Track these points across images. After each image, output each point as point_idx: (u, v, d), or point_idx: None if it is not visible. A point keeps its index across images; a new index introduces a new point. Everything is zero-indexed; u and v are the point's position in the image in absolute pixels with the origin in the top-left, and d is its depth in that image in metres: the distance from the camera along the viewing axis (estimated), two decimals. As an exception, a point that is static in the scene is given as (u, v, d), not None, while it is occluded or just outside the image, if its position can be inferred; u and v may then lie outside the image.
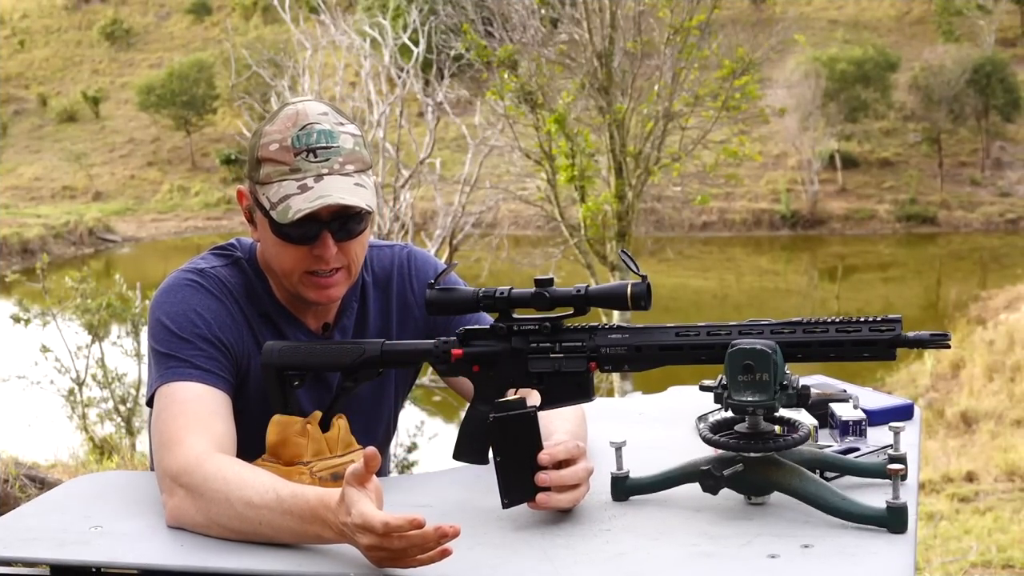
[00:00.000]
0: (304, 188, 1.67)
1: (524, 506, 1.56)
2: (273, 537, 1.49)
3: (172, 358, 1.69)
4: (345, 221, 1.71)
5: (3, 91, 48.16)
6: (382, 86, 11.86)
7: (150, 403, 1.71)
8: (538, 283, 1.58)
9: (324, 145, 1.69)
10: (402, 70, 12.04)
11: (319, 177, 1.68)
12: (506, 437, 1.55)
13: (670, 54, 12.05)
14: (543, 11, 12.70)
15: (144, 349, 10.69)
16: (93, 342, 11.12)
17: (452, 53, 13.01)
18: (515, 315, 1.63)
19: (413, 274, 1.94)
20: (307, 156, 1.68)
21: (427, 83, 12.73)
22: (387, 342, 1.71)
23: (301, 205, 1.66)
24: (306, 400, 1.78)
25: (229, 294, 1.78)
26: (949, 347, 1.44)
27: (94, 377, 11.12)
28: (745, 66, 12.02)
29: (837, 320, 1.48)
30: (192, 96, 41.12)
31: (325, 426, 1.73)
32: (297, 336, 1.84)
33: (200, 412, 1.64)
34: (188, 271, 1.79)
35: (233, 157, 37.88)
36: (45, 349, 10.76)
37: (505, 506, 1.55)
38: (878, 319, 1.45)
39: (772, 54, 14.74)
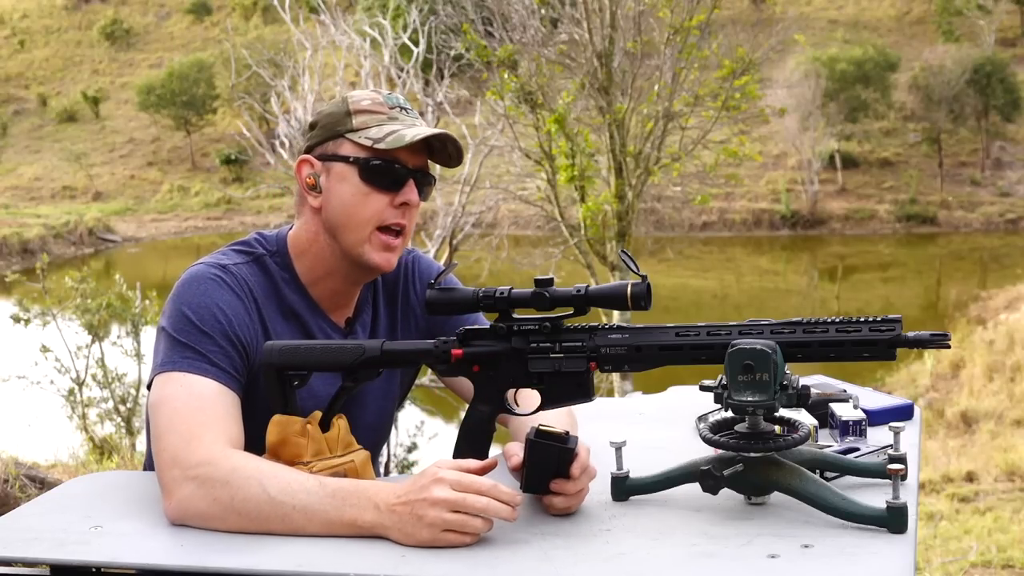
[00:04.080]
0: (409, 127, 1.80)
1: (523, 506, 1.57)
2: (302, 524, 1.51)
3: (189, 348, 1.69)
4: (424, 176, 1.83)
5: (3, 91, 48.18)
6: (382, 86, 11.86)
7: (150, 385, 1.71)
8: (538, 283, 1.58)
9: (409, 107, 1.86)
10: (402, 70, 12.05)
11: (414, 125, 1.82)
12: (538, 460, 1.55)
13: (670, 54, 12.04)
14: (543, 11, 12.68)
15: (144, 348, 10.71)
16: (93, 342, 11.12)
17: (452, 53, 13.01)
18: (515, 315, 1.63)
19: (416, 277, 1.98)
20: (399, 111, 1.83)
21: (427, 83, 12.73)
22: (387, 342, 1.71)
23: (416, 133, 1.77)
24: (326, 393, 1.79)
25: (249, 292, 1.79)
26: (949, 347, 1.44)
27: (94, 377, 11.13)
28: (745, 66, 12.01)
29: (837, 320, 1.48)
30: (192, 96, 41.12)
31: (325, 426, 1.73)
32: (322, 328, 1.86)
33: (218, 412, 1.64)
34: (212, 266, 1.79)
35: (233, 157, 37.93)
36: (45, 349, 10.76)
37: (523, 490, 1.57)
38: (878, 319, 1.45)
39: (772, 54, 14.72)
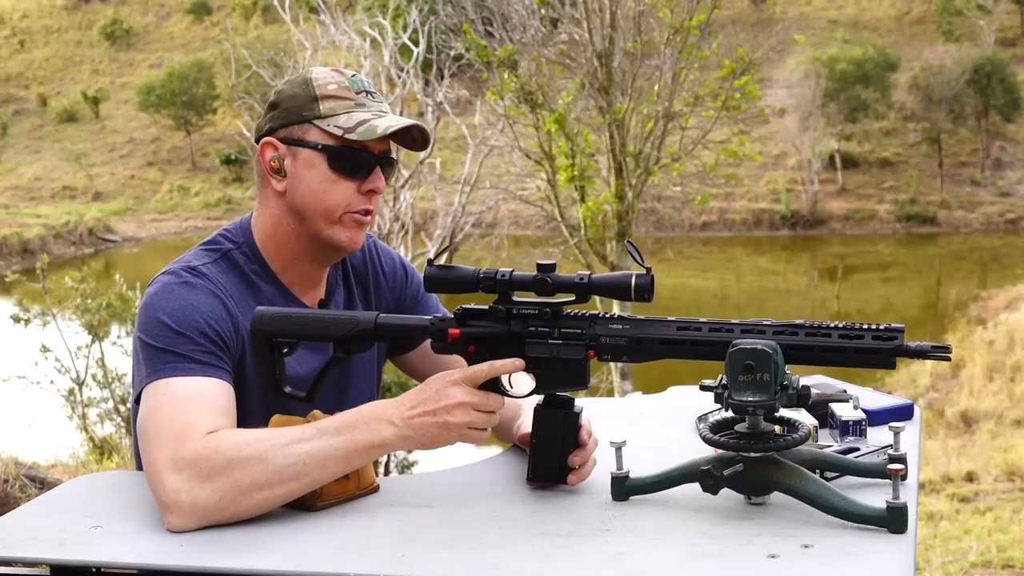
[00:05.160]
0: (378, 116, 1.79)
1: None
2: (318, 474, 1.54)
3: (168, 353, 1.66)
4: (387, 163, 1.84)
5: (3, 91, 48.17)
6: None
7: (138, 400, 1.67)
8: (540, 268, 1.57)
9: (374, 91, 1.85)
10: (402, 70, 12.06)
11: (382, 113, 1.81)
12: (547, 425, 1.62)
13: (670, 54, 12.04)
14: (543, 11, 12.69)
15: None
16: (93, 342, 11.13)
17: (452, 53, 13.01)
18: (515, 299, 1.62)
19: (381, 259, 2.02)
20: (366, 96, 1.82)
21: (427, 83, 12.75)
22: (381, 315, 1.69)
23: (388, 125, 1.77)
24: (302, 365, 1.80)
25: (223, 290, 1.78)
26: (950, 359, 1.44)
27: (94, 377, 11.13)
28: (745, 66, 12.02)
29: (840, 325, 1.47)
30: (192, 96, 41.09)
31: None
32: None
33: (203, 405, 1.62)
34: (182, 270, 1.77)
35: (233, 157, 37.89)
36: (45, 349, 10.77)
37: (529, 480, 1.64)
38: (881, 327, 1.45)
39: (772, 54, 14.73)
